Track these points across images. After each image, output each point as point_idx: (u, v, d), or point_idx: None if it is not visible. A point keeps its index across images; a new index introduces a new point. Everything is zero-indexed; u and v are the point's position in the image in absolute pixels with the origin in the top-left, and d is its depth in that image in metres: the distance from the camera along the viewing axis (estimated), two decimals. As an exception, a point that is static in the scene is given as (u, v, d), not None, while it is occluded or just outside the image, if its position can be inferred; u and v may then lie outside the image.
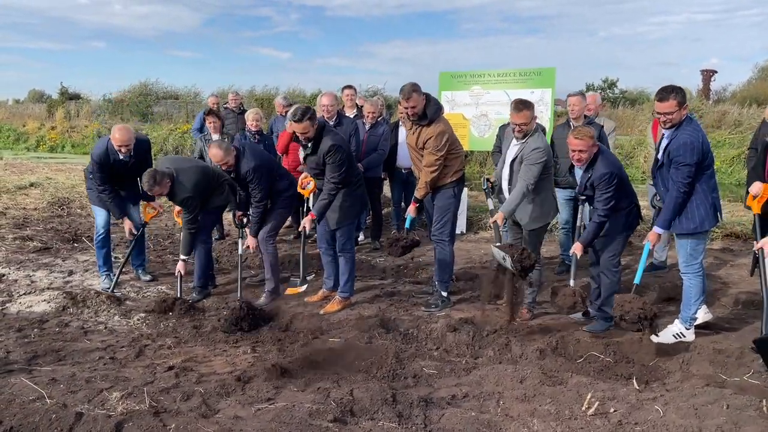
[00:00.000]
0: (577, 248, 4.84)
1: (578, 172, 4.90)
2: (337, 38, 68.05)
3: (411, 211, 5.43)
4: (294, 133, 7.01)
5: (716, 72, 19.05)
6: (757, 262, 4.44)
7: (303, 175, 5.76)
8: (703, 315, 4.86)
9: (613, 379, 4.12)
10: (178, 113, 24.53)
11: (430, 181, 5.23)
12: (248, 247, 5.69)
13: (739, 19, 59.16)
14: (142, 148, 5.90)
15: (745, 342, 4.45)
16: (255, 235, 5.59)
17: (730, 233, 7.74)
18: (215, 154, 5.29)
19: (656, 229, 4.54)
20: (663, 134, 4.52)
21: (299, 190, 5.73)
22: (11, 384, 3.69)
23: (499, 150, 6.34)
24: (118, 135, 5.55)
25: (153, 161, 6.12)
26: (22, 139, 26.01)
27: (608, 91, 32.68)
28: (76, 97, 29.70)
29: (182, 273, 5.58)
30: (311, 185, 5.68)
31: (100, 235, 5.88)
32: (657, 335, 4.67)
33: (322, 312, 5.31)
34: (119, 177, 5.79)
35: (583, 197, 4.93)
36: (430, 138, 5.14)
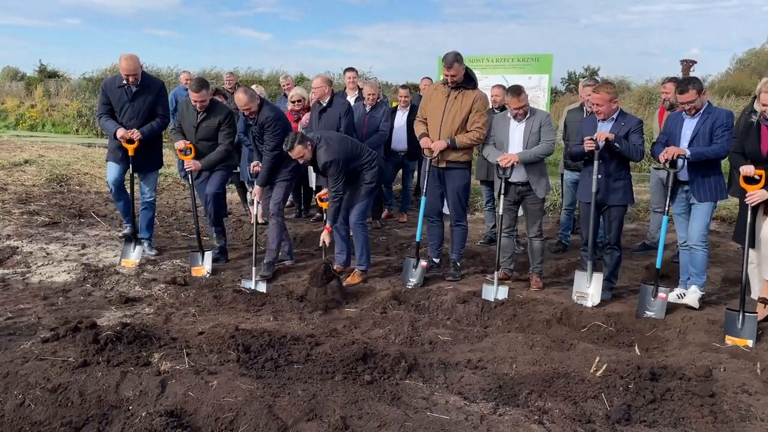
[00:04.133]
0: (601, 135, 5.04)
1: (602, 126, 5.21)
2: (318, 20, 67.47)
3: (437, 146, 5.49)
4: (293, 111, 7.25)
5: (696, 62, 19.38)
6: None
7: (323, 191, 5.79)
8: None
9: (617, 346, 4.42)
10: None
11: (475, 140, 5.54)
12: (255, 195, 5.91)
13: (719, 10, 59.93)
14: (153, 84, 6.00)
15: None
16: (261, 184, 5.81)
17: (715, 216, 8.12)
18: (240, 99, 5.55)
19: (686, 150, 4.89)
20: (683, 118, 5.07)
21: (319, 203, 5.82)
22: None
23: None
24: (124, 64, 5.67)
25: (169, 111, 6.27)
26: (0, 117, 25.60)
27: (583, 80, 33.17)
28: (54, 75, 29.25)
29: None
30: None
31: (111, 191, 6.09)
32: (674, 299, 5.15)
33: (344, 283, 5.55)
34: (119, 112, 5.84)
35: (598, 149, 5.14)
36: (479, 99, 5.53)
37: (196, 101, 5.68)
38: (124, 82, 5.75)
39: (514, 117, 5.41)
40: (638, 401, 3.41)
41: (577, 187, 6.54)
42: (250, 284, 5.47)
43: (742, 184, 4.75)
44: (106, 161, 6.15)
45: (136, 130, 5.79)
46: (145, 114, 5.90)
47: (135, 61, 5.72)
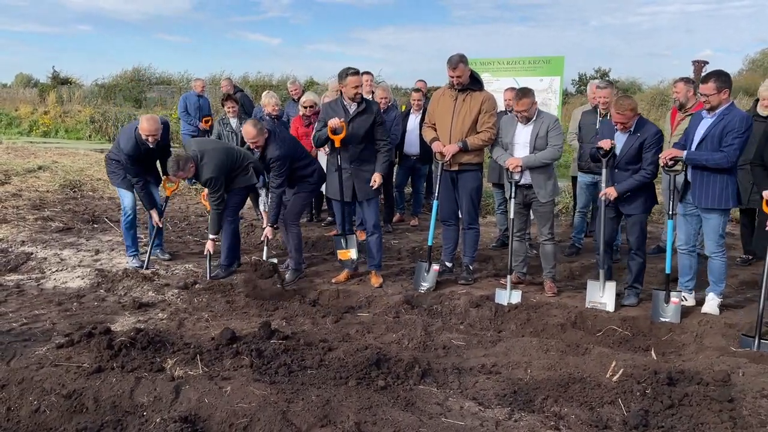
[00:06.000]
0: (610, 192, 5.07)
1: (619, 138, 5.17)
2: (327, 24, 68.00)
3: (449, 150, 5.47)
4: (304, 117, 7.24)
5: (707, 63, 19.20)
6: None
7: (335, 120, 5.48)
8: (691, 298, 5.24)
9: (633, 350, 4.38)
10: (171, 99, 24.50)
11: (486, 141, 5.54)
12: (266, 236, 5.81)
13: (731, 10, 59.57)
14: (164, 132, 6.05)
15: (753, 317, 4.72)
16: (272, 223, 5.76)
17: (732, 218, 8.02)
18: (248, 131, 5.49)
19: (684, 153, 4.83)
20: (702, 118, 4.92)
21: (330, 135, 5.55)
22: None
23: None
24: (146, 125, 5.72)
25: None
26: (14, 124, 25.84)
27: (592, 81, 32.97)
28: (67, 81, 29.53)
29: (211, 251, 5.75)
30: (343, 131, 5.52)
31: (128, 217, 6.03)
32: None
33: (376, 285, 5.70)
34: (145, 162, 5.99)
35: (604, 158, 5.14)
36: (487, 100, 5.52)
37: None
38: (150, 146, 5.82)
39: (519, 119, 5.39)
40: (656, 406, 3.37)
41: (590, 189, 6.51)
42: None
43: (765, 209, 4.65)
44: (115, 185, 6.27)
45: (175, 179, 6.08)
46: (161, 155, 6.13)
47: (157, 122, 5.82)
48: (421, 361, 3.88)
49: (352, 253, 5.62)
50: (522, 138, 5.39)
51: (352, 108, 5.54)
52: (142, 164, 5.93)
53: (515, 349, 4.24)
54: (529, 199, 5.47)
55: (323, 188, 7.66)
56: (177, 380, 3.46)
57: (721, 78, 4.70)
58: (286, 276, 5.77)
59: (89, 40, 62.61)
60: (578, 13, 64.34)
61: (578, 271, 6.21)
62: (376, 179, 5.58)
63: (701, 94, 4.79)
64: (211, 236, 5.77)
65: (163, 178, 6.27)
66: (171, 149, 6.22)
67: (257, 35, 64.68)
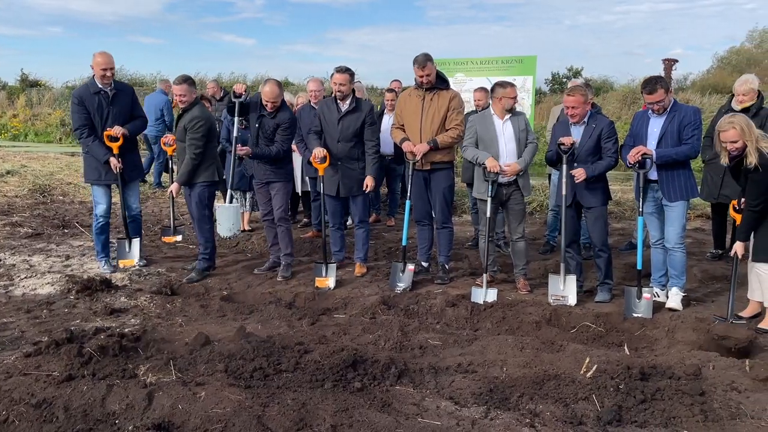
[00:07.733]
0: (580, 173, 5.11)
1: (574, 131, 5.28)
2: (303, 25, 67.43)
3: (419, 149, 5.51)
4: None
5: (677, 61, 19.52)
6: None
7: (320, 150, 5.66)
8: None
9: (606, 346, 4.42)
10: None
11: (456, 138, 5.62)
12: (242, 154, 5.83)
13: (701, 9, 60.37)
14: (126, 88, 5.98)
15: (723, 311, 4.81)
16: (255, 156, 5.76)
17: (701, 214, 8.18)
18: (272, 89, 5.59)
19: (654, 152, 4.93)
20: (648, 118, 5.09)
21: (314, 162, 5.75)
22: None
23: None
24: (100, 57, 5.59)
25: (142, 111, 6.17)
26: (-18, 128, 25.28)
27: (572, 80, 33.23)
28: (36, 84, 28.98)
29: (174, 195, 5.99)
30: (326, 161, 5.69)
31: (99, 223, 5.88)
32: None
33: (358, 274, 6.01)
34: (96, 117, 5.68)
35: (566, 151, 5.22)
36: (454, 98, 5.64)
37: (175, 94, 5.74)
38: (99, 86, 5.63)
39: (507, 110, 5.42)
40: (629, 401, 3.41)
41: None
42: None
43: (732, 214, 4.93)
44: (88, 183, 6.01)
45: (119, 127, 5.70)
46: (126, 118, 5.83)
47: (110, 56, 5.66)
48: (398, 361, 3.88)
49: (330, 282, 5.67)
50: (506, 133, 5.43)
51: (344, 106, 5.68)
52: (89, 118, 5.65)
53: (491, 347, 4.26)
54: (506, 197, 5.49)
55: (298, 188, 7.68)
56: (150, 387, 3.41)
57: (663, 83, 4.95)
58: (282, 272, 5.86)
59: (60, 42, 61.19)
60: (553, 12, 64.67)
61: (553, 268, 6.24)
62: (369, 183, 5.72)
63: (654, 103, 4.94)
64: (178, 182, 5.81)
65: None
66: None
67: (231, 36, 64.01)
